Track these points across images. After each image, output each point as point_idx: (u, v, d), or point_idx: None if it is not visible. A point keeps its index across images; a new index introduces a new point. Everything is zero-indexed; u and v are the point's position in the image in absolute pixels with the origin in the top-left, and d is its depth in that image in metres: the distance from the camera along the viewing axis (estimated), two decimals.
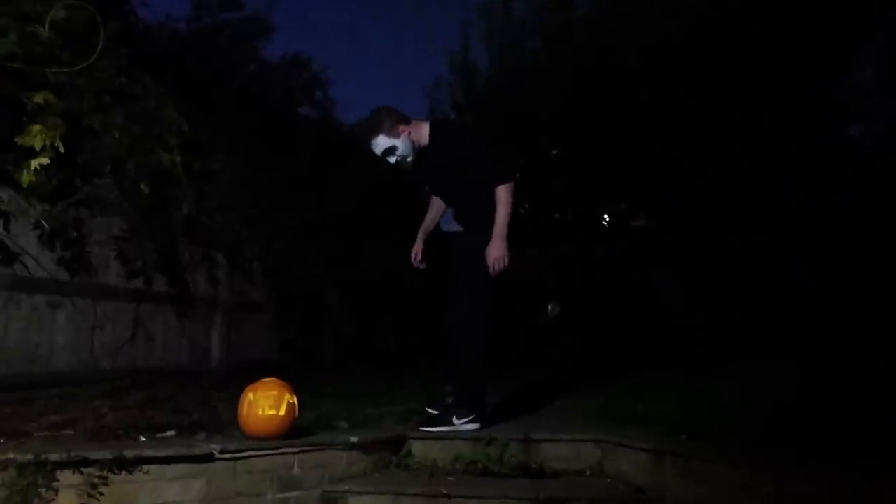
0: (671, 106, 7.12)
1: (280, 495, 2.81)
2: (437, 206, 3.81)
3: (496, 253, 3.35)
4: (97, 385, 4.06)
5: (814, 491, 2.14)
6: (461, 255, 3.51)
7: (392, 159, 3.52)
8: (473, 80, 9.91)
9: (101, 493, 2.42)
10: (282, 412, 2.90)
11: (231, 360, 5.51)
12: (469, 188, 3.50)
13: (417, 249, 3.73)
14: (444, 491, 2.80)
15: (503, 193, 3.39)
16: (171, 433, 3.01)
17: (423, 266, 3.70)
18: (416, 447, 3.32)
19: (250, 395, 2.92)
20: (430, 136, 3.54)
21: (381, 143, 3.49)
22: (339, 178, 6.90)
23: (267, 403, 2.89)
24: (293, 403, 2.96)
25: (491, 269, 3.36)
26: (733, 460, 2.48)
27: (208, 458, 2.66)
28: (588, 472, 3.13)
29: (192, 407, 3.70)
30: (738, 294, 6.25)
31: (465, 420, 3.39)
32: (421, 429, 3.38)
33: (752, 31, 6.62)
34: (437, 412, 3.50)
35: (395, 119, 3.49)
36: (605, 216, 9.16)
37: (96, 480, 2.42)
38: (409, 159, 3.53)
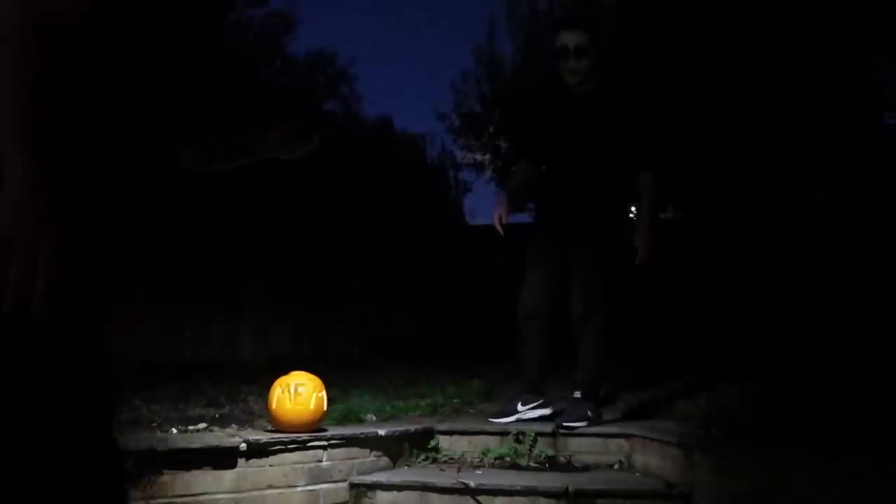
0: (700, 93, 7.01)
1: (310, 487, 2.84)
2: (526, 172, 3.51)
3: (648, 242, 3.21)
4: (129, 378, 4.13)
5: (850, 488, 2.11)
6: (590, 240, 3.25)
7: (570, 63, 3.17)
8: (499, 73, 9.87)
9: (133, 486, 2.46)
10: (311, 405, 2.92)
11: (260, 353, 5.57)
12: (608, 162, 3.24)
13: (503, 212, 3.36)
14: (473, 484, 2.80)
15: (653, 182, 3.24)
16: (202, 425, 3.05)
17: (502, 231, 3.36)
18: (444, 441, 3.32)
19: (280, 389, 2.94)
20: (606, 87, 3.26)
21: (580, 40, 3.16)
22: (362, 173, 6.93)
23: (296, 396, 2.91)
24: (322, 396, 2.98)
25: (640, 260, 3.22)
26: (764, 454, 2.44)
27: (239, 450, 2.69)
28: (616, 467, 3.12)
29: (223, 400, 3.75)
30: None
31: (596, 413, 3.30)
32: (565, 424, 3.19)
33: (784, 15, 6.49)
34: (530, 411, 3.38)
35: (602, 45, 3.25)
36: (633, 209, 9.08)
37: (129, 472, 2.46)
38: (575, 80, 3.21)
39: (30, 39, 1.02)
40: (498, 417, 3.38)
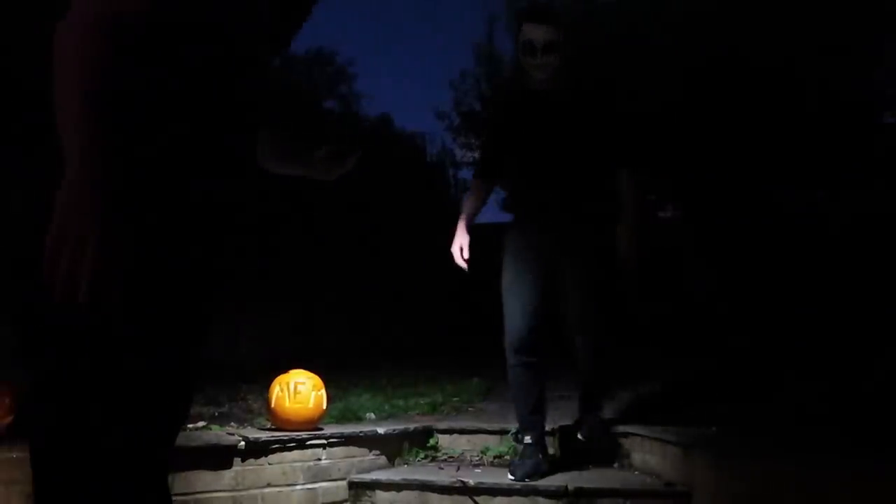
0: (697, 91, 7.01)
1: (309, 486, 2.84)
2: (482, 192, 3.17)
3: (635, 245, 2.89)
4: None
5: (851, 487, 2.10)
6: (580, 256, 2.91)
7: (537, 59, 2.84)
8: (499, 71, 9.86)
9: None
10: (310, 404, 2.92)
11: (260, 352, 5.57)
12: (585, 166, 2.90)
13: (463, 243, 2.99)
14: (472, 483, 2.80)
15: (632, 178, 2.91)
16: (201, 424, 3.05)
17: (466, 266, 2.99)
18: (443, 439, 3.32)
19: (279, 387, 2.94)
20: (574, 84, 2.94)
21: (548, 35, 2.82)
22: (362, 171, 6.93)
23: (295, 395, 2.91)
24: (321, 395, 2.98)
25: (623, 265, 2.92)
26: (764, 453, 2.44)
27: (238, 449, 2.69)
28: (616, 465, 3.12)
29: (223, 398, 3.75)
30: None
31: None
32: (563, 423, 3.20)
33: (785, 14, 6.49)
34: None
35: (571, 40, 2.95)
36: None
37: None
38: (541, 76, 2.89)
39: (105, 35, 1.03)
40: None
